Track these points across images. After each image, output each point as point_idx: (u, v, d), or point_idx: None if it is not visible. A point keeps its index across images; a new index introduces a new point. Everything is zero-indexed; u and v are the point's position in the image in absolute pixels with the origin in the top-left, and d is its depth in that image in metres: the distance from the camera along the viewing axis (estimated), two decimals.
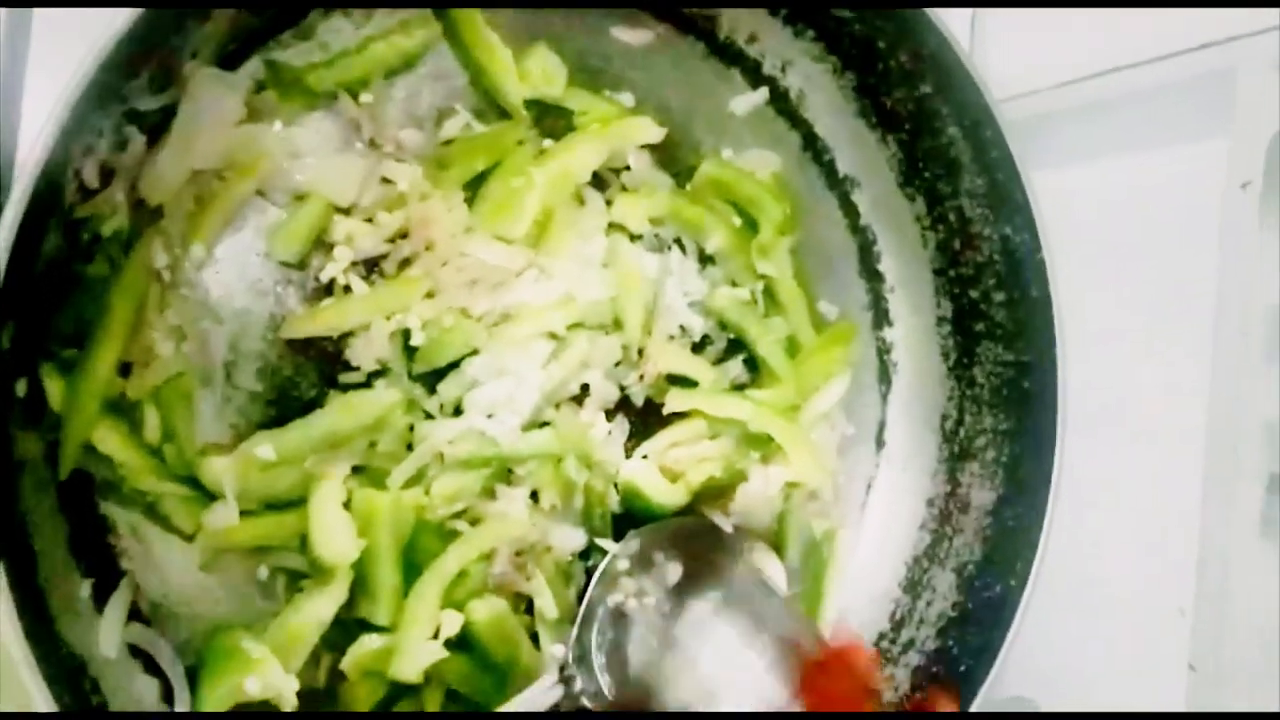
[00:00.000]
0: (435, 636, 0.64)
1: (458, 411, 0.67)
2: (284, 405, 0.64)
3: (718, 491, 0.74)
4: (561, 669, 0.66)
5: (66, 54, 0.51)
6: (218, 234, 0.62)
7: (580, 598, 0.69)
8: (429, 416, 0.66)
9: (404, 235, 0.66)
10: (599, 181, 0.73)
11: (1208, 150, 0.82)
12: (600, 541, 0.70)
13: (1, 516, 0.48)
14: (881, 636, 0.77)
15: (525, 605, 0.69)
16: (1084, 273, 0.75)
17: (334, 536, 0.62)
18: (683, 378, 0.74)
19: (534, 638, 0.68)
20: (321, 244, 0.65)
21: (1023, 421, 0.74)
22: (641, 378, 0.73)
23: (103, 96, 0.53)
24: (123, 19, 0.51)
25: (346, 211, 0.65)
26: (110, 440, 0.58)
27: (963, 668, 0.71)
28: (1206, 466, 0.72)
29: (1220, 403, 0.72)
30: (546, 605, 0.68)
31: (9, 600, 0.47)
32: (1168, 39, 0.80)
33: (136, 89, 0.56)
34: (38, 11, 0.63)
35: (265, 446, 0.61)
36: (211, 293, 0.63)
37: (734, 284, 0.76)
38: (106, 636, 0.58)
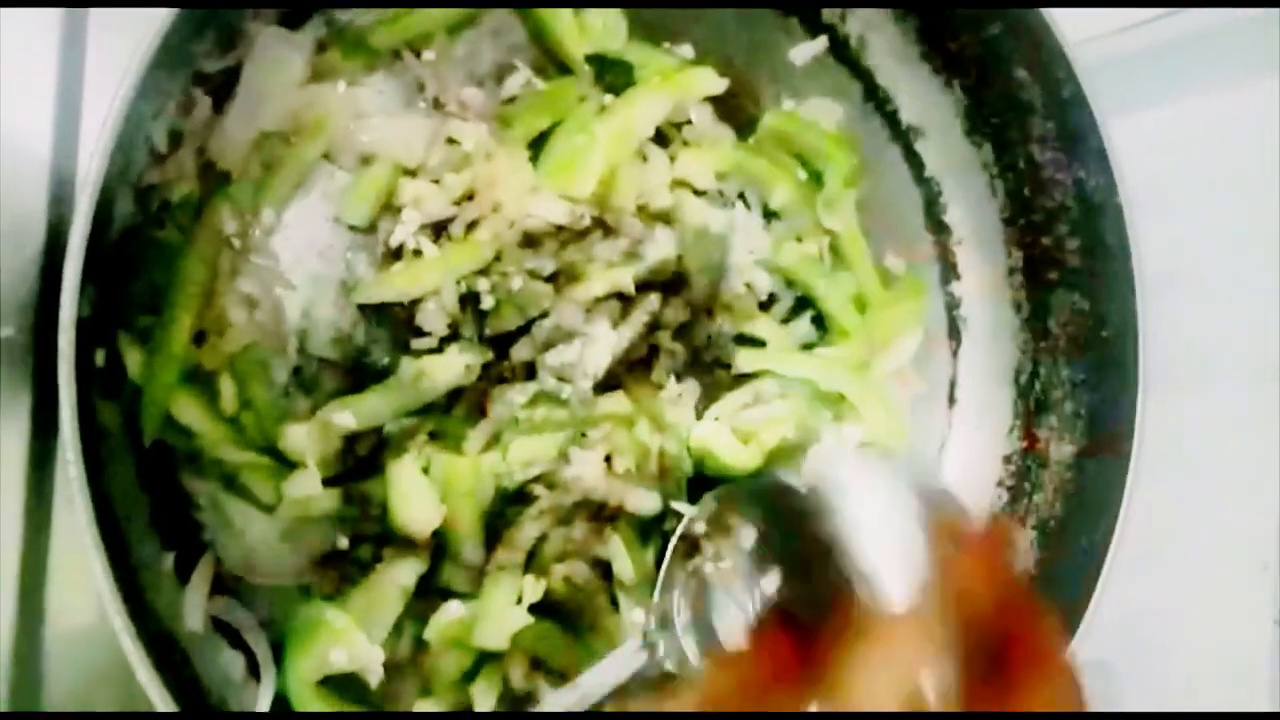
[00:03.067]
0: (519, 602, 0.63)
1: (530, 375, 0.66)
2: (358, 373, 0.63)
3: (791, 452, 0.73)
4: (645, 634, 0.65)
5: (124, 54, 0.50)
6: (286, 199, 0.61)
7: (659, 562, 0.68)
8: (502, 380, 0.65)
9: (470, 197, 0.65)
10: (661, 138, 0.71)
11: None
12: (676, 505, 0.69)
13: (93, 487, 0.47)
14: None
15: (604, 571, 0.68)
16: (1154, 217, 0.73)
17: (414, 504, 0.61)
18: (751, 337, 0.73)
19: (615, 603, 0.67)
20: (389, 208, 0.64)
21: (1101, 371, 0.72)
22: (710, 338, 0.72)
23: (170, 58, 0.52)
24: None
25: (413, 174, 0.64)
26: (189, 410, 0.57)
27: None
28: None
29: None
30: (624, 569, 0.67)
31: (106, 569, 0.46)
32: None
33: (201, 51, 0.55)
34: (94, 12, 0.62)
35: (344, 414, 0.60)
36: (282, 259, 0.62)
37: (800, 239, 0.75)
38: (192, 609, 0.57)
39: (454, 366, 0.63)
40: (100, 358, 0.54)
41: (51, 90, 0.60)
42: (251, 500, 0.60)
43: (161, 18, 0.50)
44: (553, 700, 0.60)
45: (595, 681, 0.61)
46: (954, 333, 0.79)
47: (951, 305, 0.79)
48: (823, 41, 0.75)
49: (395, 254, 0.64)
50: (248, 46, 0.58)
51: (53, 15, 0.61)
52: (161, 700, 0.48)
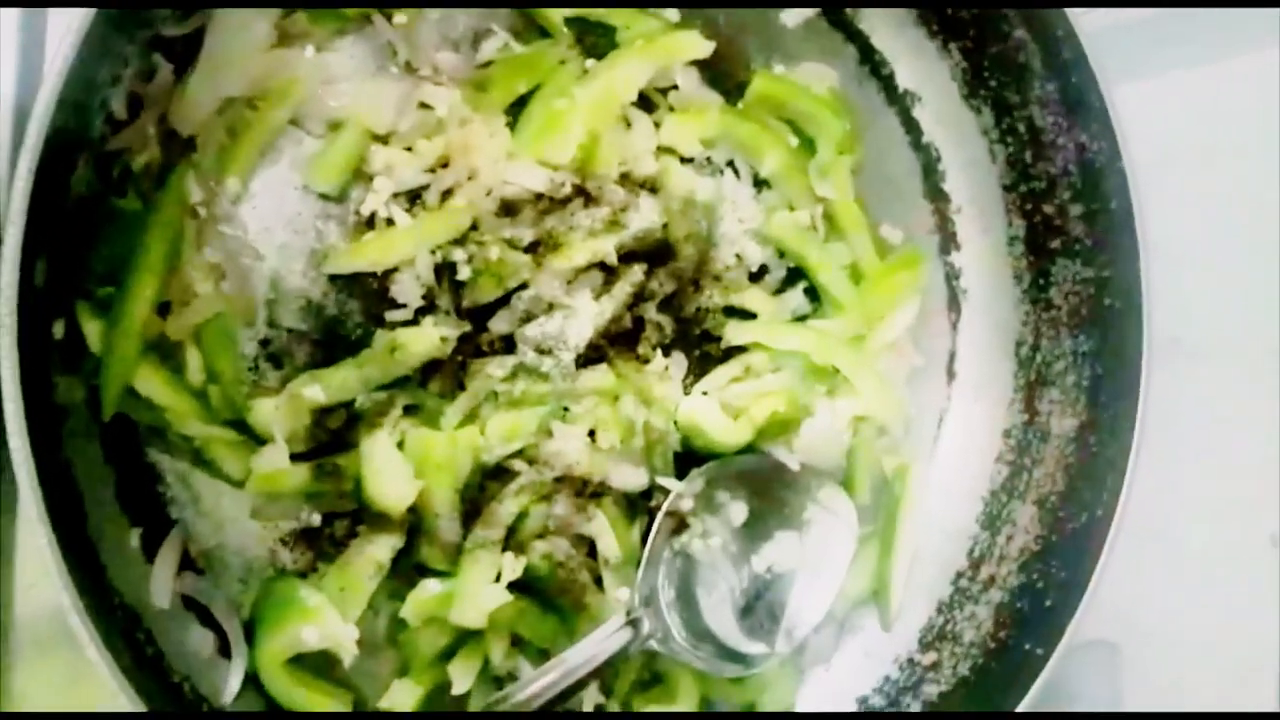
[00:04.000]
0: (497, 580, 0.61)
1: (510, 349, 0.64)
2: (330, 345, 0.62)
3: (782, 428, 0.71)
4: (628, 612, 0.63)
5: None
6: (252, 166, 0.60)
7: (645, 540, 0.66)
8: (480, 353, 0.64)
9: (445, 164, 0.63)
10: (645, 103, 0.69)
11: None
12: (662, 481, 0.67)
13: (43, 462, 0.46)
14: (960, 575, 0.73)
15: (589, 548, 0.66)
16: (1157, 186, 0.70)
17: (389, 479, 0.60)
18: (741, 309, 0.71)
19: (599, 582, 0.66)
20: (361, 175, 0.62)
21: (1105, 340, 0.69)
22: (698, 310, 0.70)
23: (123, 22, 0.50)
24: None
25: (385, 140, 0.62)
26: (152, 383, 0.56)
27: (1048, 603, 0.67)
28: None
29: None
30: (609, 547, 0.65)
31: (56, 548, 0.45)
32: None
33: (160, 15, 0.54)
34: None
35: (313, 387, 0.58)
36: (249, 228, 0.60)
37: (792, 208, 0.72)
38: (158, 586, 0.57)
39: (429, 339, 0.61)
40: (59, 329, 0.53)
41: (13, 47, 0.59)
42: (220, 475, 0.59)
43: None
44: (533, 678, 0.59)
45: (578, 659, 0.60)
46: (953, 304, 0.77)
47: (951, 275, 0.77)
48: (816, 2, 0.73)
49: (368, 223, 0.63)
50: (210, 11, 0.56)
51: None
52: (114, 677, 0.46)
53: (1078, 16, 0.65)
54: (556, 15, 0.66)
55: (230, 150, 0.58)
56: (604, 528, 0.65)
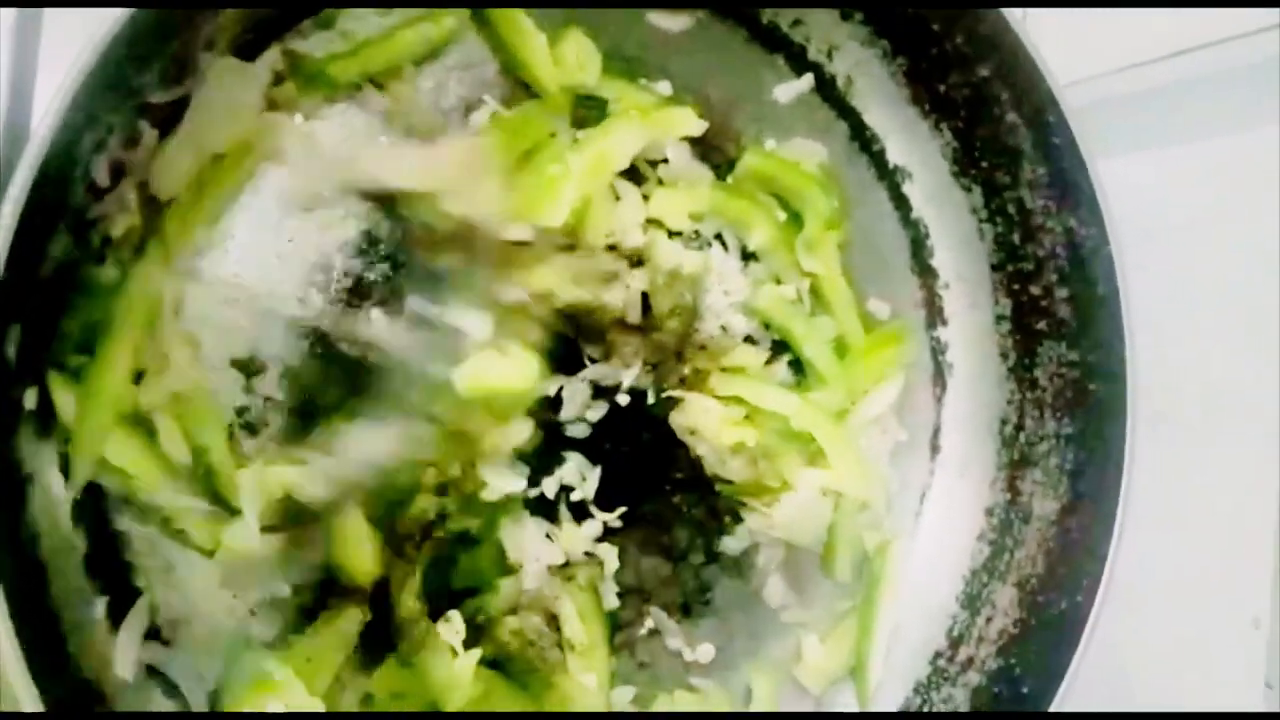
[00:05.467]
0: (464, 655, 0.61)
1: None
2: (307, 415, 0.61)
3: (758, 489, 0.70)
4: None
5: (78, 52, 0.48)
6: (222, 214, 0.59)
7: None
8: None
9: None
10: (634, 175, 0.69)
11: (1269, 136, 0.78)
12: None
13: (4, 535, 0.45)
14: (938, 655, 0.72)
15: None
16: (1143, 264, 0.70)
17: (357, 551, 0.59)
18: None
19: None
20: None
21: (1088, 426, 0.69)
22: (682, 381, 0.70)
23: (110, 89, 0.50)
24: (123, 12, 0.48)
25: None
26: (124, 453, 0.55)
27: (1026, 689, 0.67)
28: None
29: None
30: (575, 631, 0.64)
31: (7, 625, 0.44)
32: (1226, 22, 0.76)
33: (148, 82, 0.53)
34: (48, 12, 0.61)
35: (286, 473, 0.58)
36: (228, 292, 0.60)
37: (779, 282, 0.72)
38: (122, 657, 0.56)
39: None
40: (31, 398, 0.52)
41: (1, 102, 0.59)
42: (190, 544, 0.58)
43: (90, 51, 0.47)
44: None
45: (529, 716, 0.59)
46: (939, 379, 0.76)
47: (937, 350, 0.77)
48: (808, 80, 0.73)
49: (354, 290, 0.62)
50: (198, 78, 0.56)
51: (6, 15, 0.60)
52: None
53: (1066, 91, 0.65)
54: (551, 83, 0.66)
55: (198, 202, 0.57)
56: (570, 612, 0.64)
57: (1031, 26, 0.77)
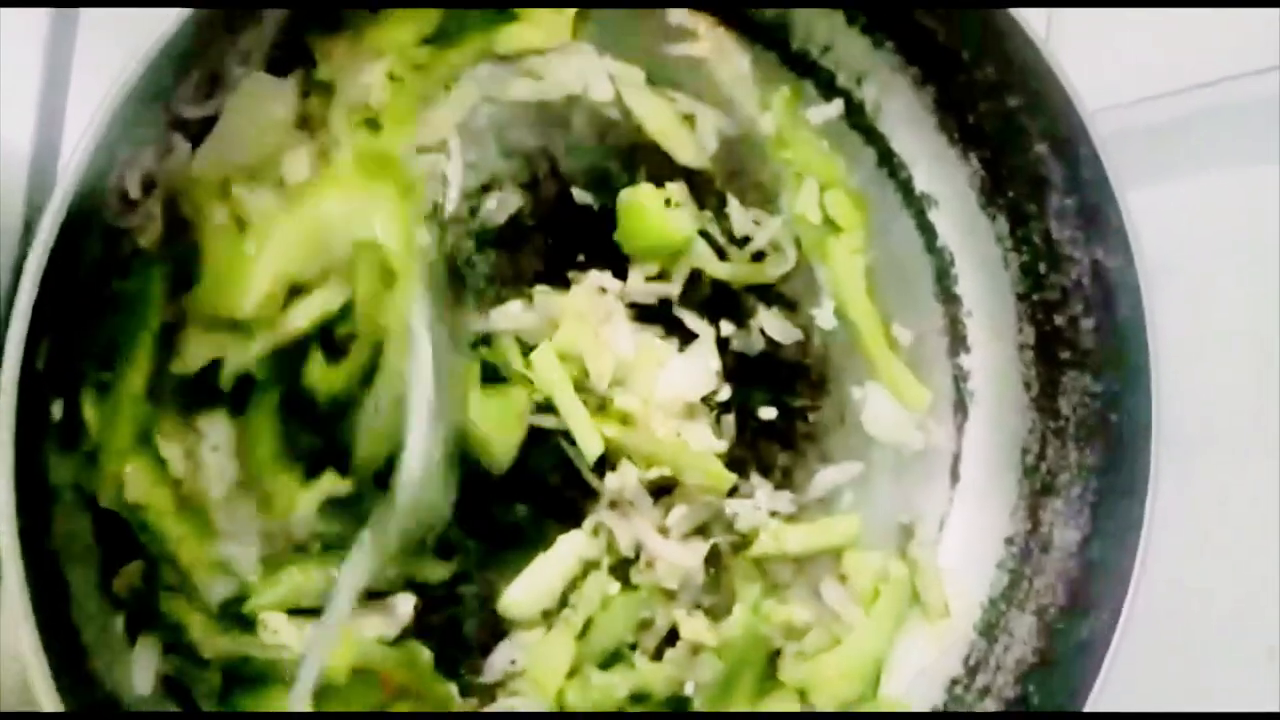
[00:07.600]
0: None
1: None
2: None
3: None
4: None
5: (113, 56, 0.48)
6: None
7: None
8: None
9: None
10: None
11: None
12: None
13: (32, 549, 0.45)
14: (955, 682, 0.72)
15: None
16: (1167, 294, 0.70)
17: None
18: None
19: None
20: None
21: (1111, 458, 0.69)
22: None
23: (148, 102, 0.50)
24: (172, 18, 0.47)
25: None
26: (140, 483, 0.53)
27: None
28: None
29: None
30: None
31: (35, 639, 0.44)
32: (1252, 55, 0.76)
33: (183, 94, 0.53)
34: (84, 11, 0.61)
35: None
36: None
37: None
38: (140, 671, 0.55)
39: None
40: (57, 410, 0.52)
41: (34, 105, 0.59)
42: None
43: (138, 60, 0.47)
44: None
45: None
46: (960, 407, 0.76)
47: (959, 378, 0.76)
48: (838, 105, 0.73)
49: None
50: (230, 92, 0.55)
51: (40, 16, 0.59)
52: None
53: (1094, 121, 0.65)
54: None
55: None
56: None
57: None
